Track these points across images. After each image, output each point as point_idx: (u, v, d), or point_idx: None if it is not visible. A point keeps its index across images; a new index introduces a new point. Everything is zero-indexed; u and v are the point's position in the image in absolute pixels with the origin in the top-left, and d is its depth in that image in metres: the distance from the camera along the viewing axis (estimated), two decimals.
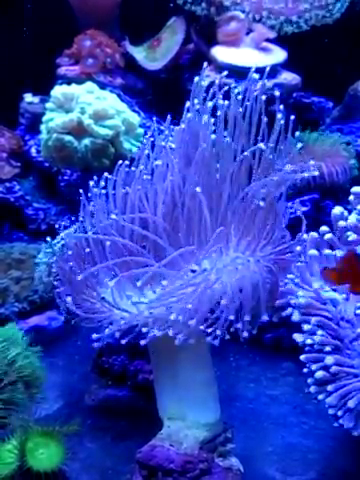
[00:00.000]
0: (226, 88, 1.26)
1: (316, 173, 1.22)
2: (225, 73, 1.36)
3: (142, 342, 1.16)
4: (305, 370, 1.28)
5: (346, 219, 1.41)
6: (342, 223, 1.38)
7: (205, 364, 1.30)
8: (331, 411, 1.23)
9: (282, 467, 1.43)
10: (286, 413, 1.61)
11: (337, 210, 1.42)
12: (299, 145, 1.24)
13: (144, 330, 1.16)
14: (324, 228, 1.42)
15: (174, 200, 1.28)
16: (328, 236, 1.36)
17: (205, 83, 1.28)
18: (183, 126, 1.29)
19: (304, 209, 1.90)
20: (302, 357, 1.27)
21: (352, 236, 1.29)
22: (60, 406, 1.65)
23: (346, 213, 1.42)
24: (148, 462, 1.23)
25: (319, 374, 1.23)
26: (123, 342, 1.17)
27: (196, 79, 1.29)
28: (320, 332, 1.25)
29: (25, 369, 1.40)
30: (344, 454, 1.46)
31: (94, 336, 1.22)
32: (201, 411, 1.27)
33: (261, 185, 1.19)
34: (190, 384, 1.28)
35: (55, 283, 1.33)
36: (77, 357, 1.84)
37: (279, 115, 1.21)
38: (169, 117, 1.36)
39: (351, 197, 1.44)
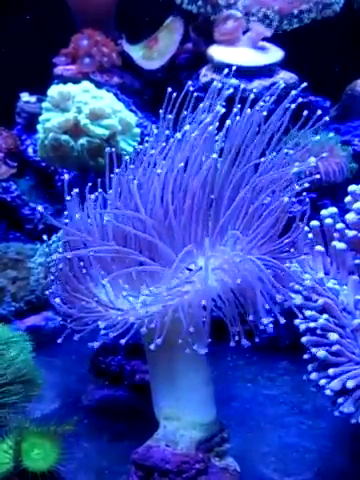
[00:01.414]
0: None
1: (317, 177, 1.23)
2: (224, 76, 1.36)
3: (152, 346, 1.16)
4: (305, 356, 1.28)
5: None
6: (341, 225, 1.40)
7: (201, 364, 1.30)
8: (328, 392, 1.23)
9: (279, 467, 1.42)
10: (283, 413, 1.61)
11: (326, 212, 1.44)
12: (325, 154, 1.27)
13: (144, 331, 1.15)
14: (315, 222, 1.44)
15: (172, 198, 1.27)
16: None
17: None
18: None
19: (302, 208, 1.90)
20: (303, 339, 1.27)
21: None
22: (57, 406, 1.65)
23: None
24: (144, 463, 1.23)
25: (321, 353, 1.23)
26: (122, 342, 1.17)
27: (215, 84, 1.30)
28: (325, 316, 1.25)
29: (22, 369, 1.39)
30: (341, 454, 1.46)
31: (90, 344, 1.22)
32: (197, 411, 1.27)
33: (267, 182, 1.19)
34: (186, 384, 1.27)
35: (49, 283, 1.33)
36: (74, 357, 1.83)
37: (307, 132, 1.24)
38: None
39: (348, 198, 1.45)
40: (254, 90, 1.35)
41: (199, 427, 1.26)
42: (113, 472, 1.41)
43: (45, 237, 1.52)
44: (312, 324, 1.26)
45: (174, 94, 1.32)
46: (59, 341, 1.27)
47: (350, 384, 1.20)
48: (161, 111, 1.34)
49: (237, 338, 1.16)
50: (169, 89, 1.33)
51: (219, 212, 1.24)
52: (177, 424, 1.26)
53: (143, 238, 1.24)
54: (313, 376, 1.26)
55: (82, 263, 1.27)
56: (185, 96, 1.33)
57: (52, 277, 1.33)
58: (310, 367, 1.28)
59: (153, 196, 1.25)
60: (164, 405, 1.29)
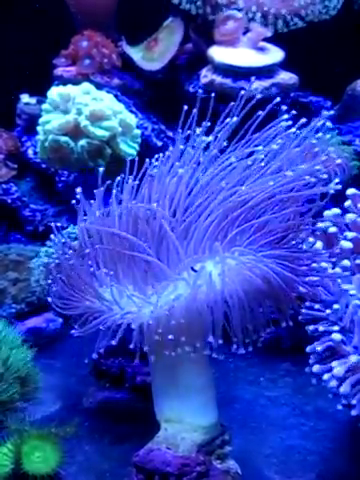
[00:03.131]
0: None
1: (325, 176, 1.23)
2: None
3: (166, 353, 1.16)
4: (308, 349, 1.28)
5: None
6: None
7: (203, 366, 1.29)
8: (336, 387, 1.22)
9: (281, 469, 1.42)
10: (285, 415, 1.61)
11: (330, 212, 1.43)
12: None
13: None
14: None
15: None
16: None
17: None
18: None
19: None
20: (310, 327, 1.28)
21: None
22: (58, 408, 1.65)
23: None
24: (145, 466, 1.22)
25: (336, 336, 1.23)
26: (131, 346, 1.17)
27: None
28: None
29: (20, 369, 1.38)
30: (343, 456, 1.46)
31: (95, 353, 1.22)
32: (198, 413, 1.26)
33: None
34: (188, 386, 1.27)
35: (50, 282, 1.32)
36: (75, 359, 1.83)
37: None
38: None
39: (348, 202, 1.45)
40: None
41: (200, 430, 1.25)
42: (114, 475, 1.40)
43: (53, 236, 1.50)
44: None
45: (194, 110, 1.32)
46: (86, 361, 1.29)
47: None
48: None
49: (239, 344, 1.16)
50: (185, 107, 1.32)
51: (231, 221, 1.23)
52: (178, 427, 1.25)
53: (151, 237, 1.24)
54: (315, 368, 1.26)
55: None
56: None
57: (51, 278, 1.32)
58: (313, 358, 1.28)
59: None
60: (165, 407, 1.28)
